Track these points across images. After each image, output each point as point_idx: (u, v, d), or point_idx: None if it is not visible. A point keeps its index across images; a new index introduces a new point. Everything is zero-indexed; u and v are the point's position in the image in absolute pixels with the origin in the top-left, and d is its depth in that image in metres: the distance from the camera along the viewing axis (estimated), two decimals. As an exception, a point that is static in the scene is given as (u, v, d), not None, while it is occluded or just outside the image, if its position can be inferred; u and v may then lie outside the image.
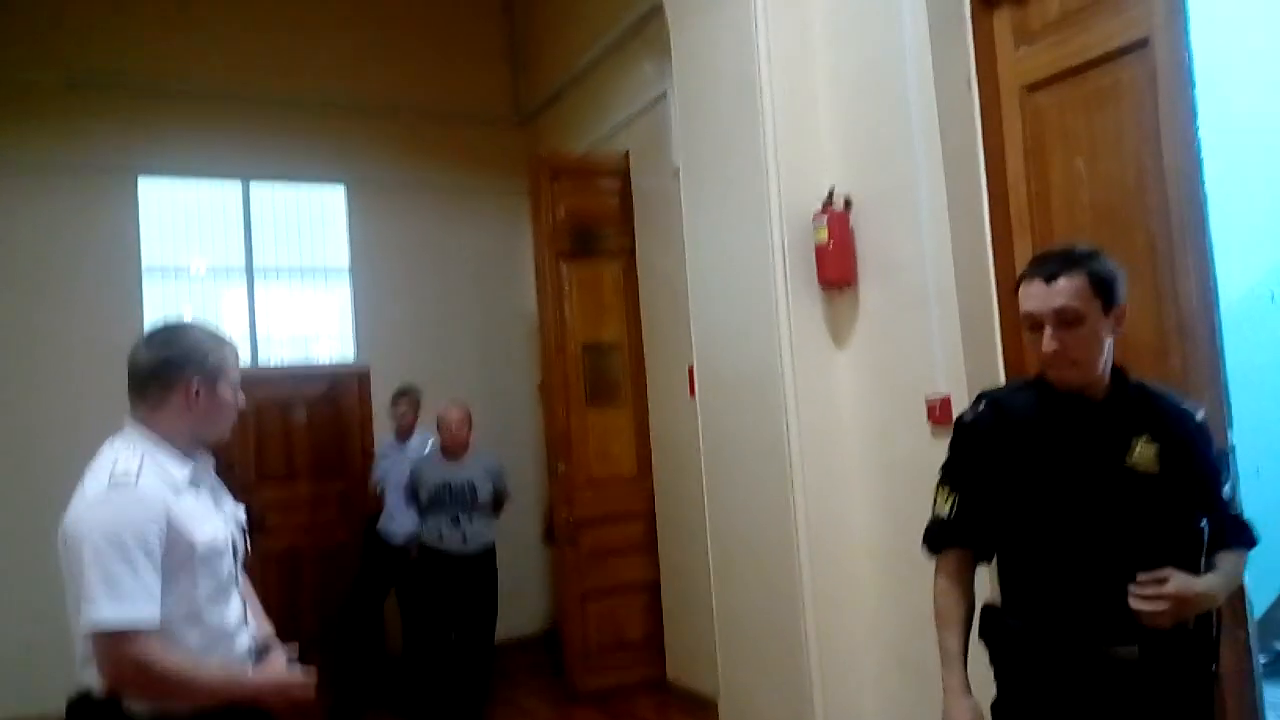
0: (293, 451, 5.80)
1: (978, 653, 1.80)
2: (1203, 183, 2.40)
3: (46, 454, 4.83)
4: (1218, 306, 2.40)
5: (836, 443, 3.36)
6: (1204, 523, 1.70)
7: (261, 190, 6.02)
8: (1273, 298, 3.62)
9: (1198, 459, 1.73)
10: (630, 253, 5.15)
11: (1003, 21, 2.91)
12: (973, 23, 2.94)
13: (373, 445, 5.66)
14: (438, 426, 4.65)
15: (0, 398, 5.15)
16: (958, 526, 1.82)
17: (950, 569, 1.83)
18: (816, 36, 3.42)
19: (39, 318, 5.25)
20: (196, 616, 1.73)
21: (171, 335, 1.85)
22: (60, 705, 1.73)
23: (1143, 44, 2.50)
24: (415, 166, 6.19)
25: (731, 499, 3.66)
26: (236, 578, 1.87)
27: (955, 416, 1.93)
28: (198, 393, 1.81)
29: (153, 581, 1.64)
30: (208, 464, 1.90)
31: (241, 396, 1.92)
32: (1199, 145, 2.40)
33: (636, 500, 5.05)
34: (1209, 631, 1.69)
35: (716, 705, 3.84)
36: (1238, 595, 2.30)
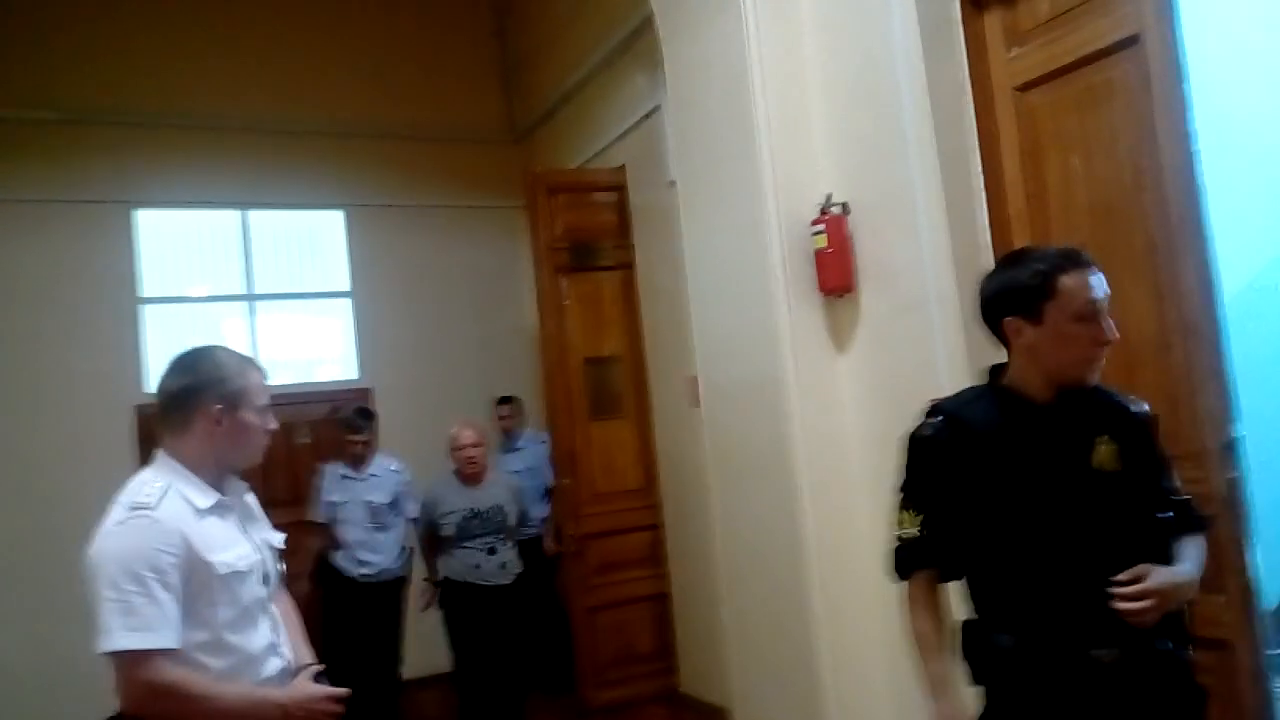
0: (299, 474, 5.79)
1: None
2: (1199, 177, 2.39)
3: (46, 484, 4.76)
4: (1220, 301, 2.39)
5: (841, 449, 3.34)
6: (1168, 514, 1.70)
7: (261, 217, 6.04)
8: (1278, 289, 3.60)
9: (1150, 452, 1.74)
10: (629, 266, 5.16)
11: (993, 23, 2.92)
12: (963, 26, 2.94)
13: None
14: (451, 450, 4.32)
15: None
16: (927, 546, 1.76)
17: (923, 592, 1.78)
18: (808, 45, 3.42)
19: (37, 348, 5.27)
20: (219, 640, 1.72)
21: (193, 361, 1.82)
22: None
23: (1134, 41, 2.50)
24: (413, 188, 6.22)
25: (739, 508, 3.65)
26: (266, 603, 1.85)
27: (909, 432, 1.83)
28: (220, 418, 1.78)
29: (169, 605, 1.64)
30: (239, 491, 1.88)
31: (271, 420, 1.87)
32: (1194, 140, 2.39)
33: (643, 513, 5.04)
34: (1179, 619, 1.67)
35: (730, 717, 3.81)
36: (1247, 588, 2.29)
